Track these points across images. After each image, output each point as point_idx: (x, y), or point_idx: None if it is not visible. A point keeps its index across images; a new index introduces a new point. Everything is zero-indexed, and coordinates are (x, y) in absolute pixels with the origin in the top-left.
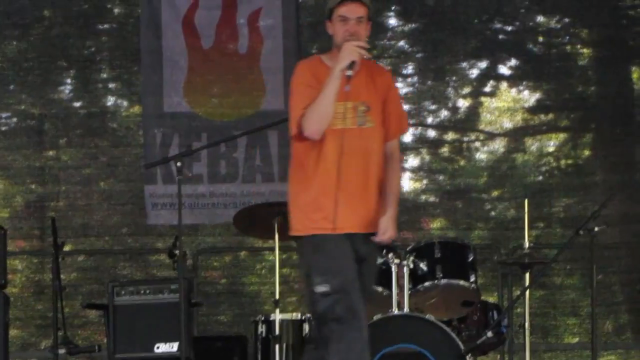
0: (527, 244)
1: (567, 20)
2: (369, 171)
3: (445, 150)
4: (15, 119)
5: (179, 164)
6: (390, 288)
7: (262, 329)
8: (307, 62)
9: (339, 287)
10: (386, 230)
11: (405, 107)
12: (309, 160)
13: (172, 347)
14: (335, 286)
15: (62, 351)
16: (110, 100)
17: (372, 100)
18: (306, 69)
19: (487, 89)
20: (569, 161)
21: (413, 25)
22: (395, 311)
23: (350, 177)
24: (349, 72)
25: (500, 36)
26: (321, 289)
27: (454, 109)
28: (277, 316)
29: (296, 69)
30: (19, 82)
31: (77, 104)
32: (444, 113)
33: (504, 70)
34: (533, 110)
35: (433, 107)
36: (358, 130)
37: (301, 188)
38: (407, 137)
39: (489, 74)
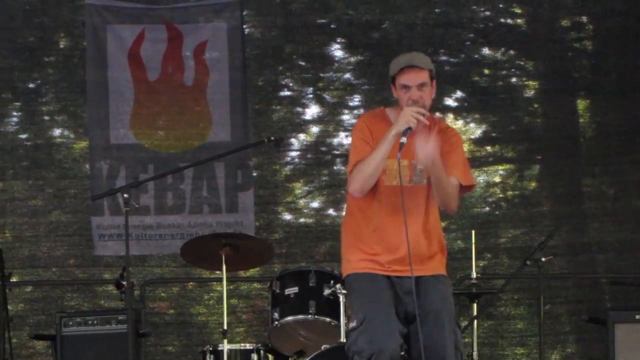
0: (474, 274)
1: (512, 52)
2: (419, 225)
3: None
4: None
5: (126, 195)
6: (338, 318)
7: (210, 359)
8: (369, 116)
9: None
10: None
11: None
12: (365, 213)
13: None
14: None
15: None
16: (57, 132)
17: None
18: (365, 124)
19: None
20: (516, 192)
21: (359, 57)
22: (344, 341)
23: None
24: (403, 139)
25: (446, 68)
26: None
27: None
28: (225, 346)
29: (358, 120)
30: None
31: (23, 136)
32: None
33: (449, 102)
34: (479, 142)
35: None
36: (414, 187)
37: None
38: None
39: (435, 105)
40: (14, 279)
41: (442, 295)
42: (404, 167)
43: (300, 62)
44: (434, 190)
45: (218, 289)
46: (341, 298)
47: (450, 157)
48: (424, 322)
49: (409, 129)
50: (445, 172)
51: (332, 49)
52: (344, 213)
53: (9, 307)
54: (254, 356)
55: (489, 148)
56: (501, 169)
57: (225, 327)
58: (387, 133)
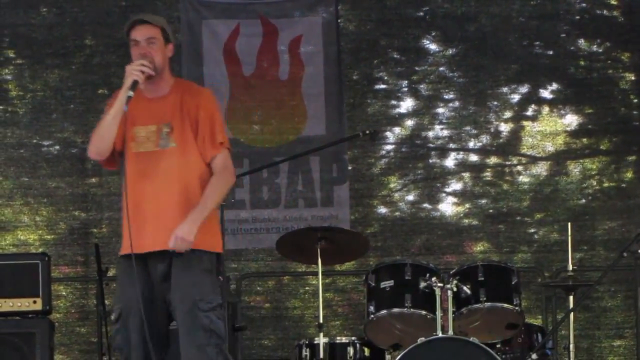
0: (570, 267)
1: (608, 44)
2: (170, 191)
3: (487, 174)
4: (58, 147)
5: None
6: (434, 311)
7: (306, 352)
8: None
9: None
10: (175, 236)
11: (447, 132)
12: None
13: None
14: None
15: None
16: None
17: (176, 121)
18: (115, 94)
19: (529, 113)
20: (612, 184)
21: (454, 50)
22: (439, 334)
23: (146, 200)
24: (130, 93)
25: (542, 60)
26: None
27: (496, 134)
28: (321, 340)
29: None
30: (61, 110)
31: None
32: (486, 137)
33: (545, 94)
34: (575, 133)
35: (475, 131)
36: (160, 152)
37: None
38: (449, 162)
39: (531, 98)
40: (111, 273)
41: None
42: (151, 132)
43: (395, 56)
44: None
45: (313, 282)
46: (437, 291)
47: (206, 124)
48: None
49: (136, 82)
50: (207, 148)
51: (427, 42)
52: (439, 206)
53: (106, 301)
54: (350, 349)
55: (585, 140)
56: (597, 160)
57: (321, 321)
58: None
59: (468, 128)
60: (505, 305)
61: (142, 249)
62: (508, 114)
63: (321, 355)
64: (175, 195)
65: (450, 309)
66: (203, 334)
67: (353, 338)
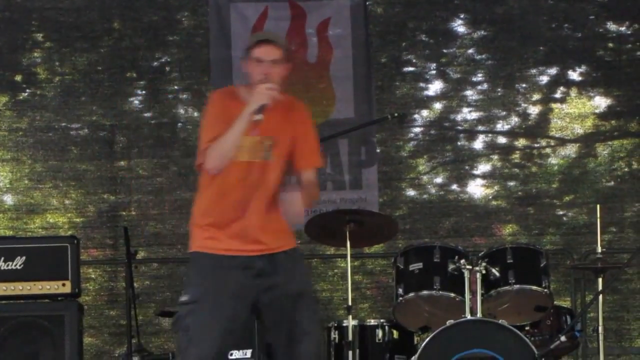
0: (599, 249)
1: (637, 26)
2: (264, 203)
3: (516, 156)
4: (86, 130)
5: None
6: (463, 294)
7: (335, 334)
8: (219, 93)
9: None
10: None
11: (475, 114)
12: (211, 189)
13: (246, 353)
14: None
15: (136, 359)
16: (181, 111)
17: (278, 136)
18: (217, 101)
19: (557, 95)
20: None
21: (482, 32)
22: (468, 316)
23: (241, 207)
24: (259, 117)
25: (570, 43)
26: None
27: (525, 116)
28: (350, 322)
29: (209, 98)
30: (89, 93)
31: (148, 115)
32: (515, 120)
33: (574, 76)
34: (604, 115)
35: (503, 113)
36: (261, 164)
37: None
38: (478, 144)
39: (559, 80)
40: (139, 256)
41: None
42: (255, 143)
43: (424, 38)
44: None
45: (342, 265)
46: (465, 274)
47: (307, 140)
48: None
49: (263, 106)
50: (302, 162)
51: (456, 24)
52: (467, 188)
53: (135, 284)
54: (379, 332)
55: (613, 122)
56: (626, 142)
57: (349, 303)
58: (244, 111)
59: (496, 110)
60: (534, 287)
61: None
62: (536, 96)
63: (350, 338)
64: (266, 207)
65: (479, 291)
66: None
67: (382, 320)
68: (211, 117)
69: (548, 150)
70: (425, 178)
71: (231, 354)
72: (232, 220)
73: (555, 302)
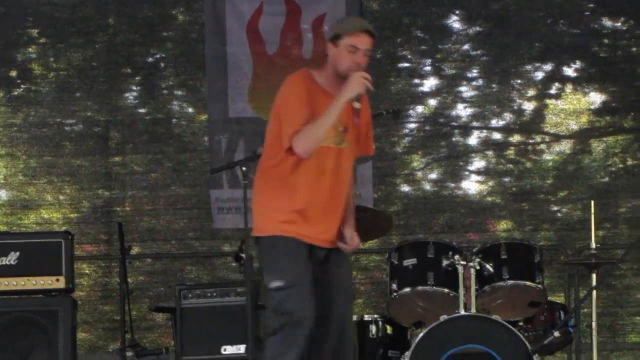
0: (593, 245)
1: (632, 22)
2: (341, 190)
3: (510, 152)
4: (81, 126)
5: (244, 168)
6: (456, 289)
7: None
8: (301, 76)
9: None
10: (353, 239)
11: (470, 110)
12: (291, 172)
13: (239, 349)
14: None
15: (129, 354)
16: (176, 107)
17: (350, 123)
18: (302, 84)
19: (552, 91)
20: (636, 162)
21: (478, 28)
22: (462, 312)
23: (322, 194)
24: (357, 105)
25: (565, 39)
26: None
27: (519, 112)
28: None
29: (291, 81)
30: (84, 89)
31: (142, 110)
32: (509, 115)
33: (569, 72)
34: (599, 112)
35: (498, 109)
36: (337, 150)
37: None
38: (473, 140)
39: (554, 76)
40: (133, 252)
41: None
42: (331, 129)
43: (419, 34)
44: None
45: None
46: (459, 269)
47: (369, 128)
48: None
49: (360, 94)
50: (362, 149)
51: (451, 20)
52: (462, 184)
53: (129, 279)
54: (373, 327)
55: (608, 118)
56: (621, 138)
57: None
58: (337, 98)
59: (491, 106)
60: (528, 283)
61: (319, 242)
62: (531, 92)
63: None
64: (344, 195)
65: (473, 287)
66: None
67: (376, 316)
68: (297, 101)
69: (543, 146)
70: (419, 174)
71: (224, 349)
72: (314, 207)
73: (549, 298)
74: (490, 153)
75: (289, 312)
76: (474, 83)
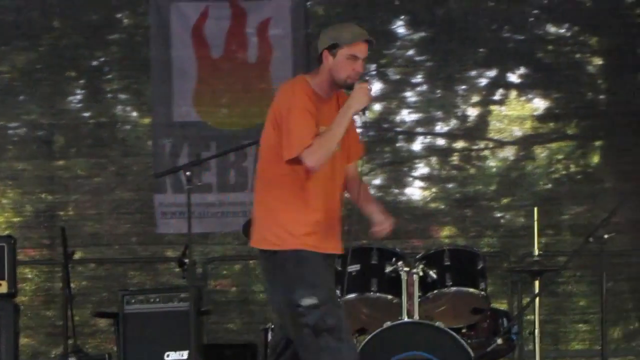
0: (536, 252)
1: (576, 28)
2: (339, 194)
3: (454, 158)
4: (24, 129)
5: (188, 173)
6: (400, 296)
7: (271, 336)
8: (302, 85)
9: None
10: (384, 221)
11: (414, 116)
12: (306, 179)
13: (182, 355)
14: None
15: (72, 359)
16: (120, 110)
17: None
18: (304, 94)
19: (497, 97)
20: (579, 169)
21: (422, 34)
22: (405, 318)
23: (329, 199)
24: (365, 117)
25: (510, 45)
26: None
27: (463, 118)
28: None
29: (293, 91)
30: (28, 92)
31: (87, 114)
32: (453, 121)
33: (513, 78)
34: (542, 118)
35: (442, 115)
36: (336, 153)
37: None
38: (417, 146)
39: (498, 82)
40: (76, 257)
41: None
42: None
43: None
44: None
45: None
46: (402, 275)
47: (355, 130)
48: None
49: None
50: (352, 152)
51: (396, 25)
52: (406, 190)
53: (72, 284)
54: None
55: (552, 124)
56: (564, 145)
57: None
58: (345, 109)
59: (436, 112)
60: (471, 289)
61: (330, 250)
62: (476, 98)
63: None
64: (340, 198)
65: (416, 293)
66: None
67: None
68: (304, 113)
69: (486, 152)
70: (363, 179)
71: (167, 355)
72: (324, 215)
73: (492, 305)
74: (434, 159)
75: (331, 328)
76: (419, 88)
